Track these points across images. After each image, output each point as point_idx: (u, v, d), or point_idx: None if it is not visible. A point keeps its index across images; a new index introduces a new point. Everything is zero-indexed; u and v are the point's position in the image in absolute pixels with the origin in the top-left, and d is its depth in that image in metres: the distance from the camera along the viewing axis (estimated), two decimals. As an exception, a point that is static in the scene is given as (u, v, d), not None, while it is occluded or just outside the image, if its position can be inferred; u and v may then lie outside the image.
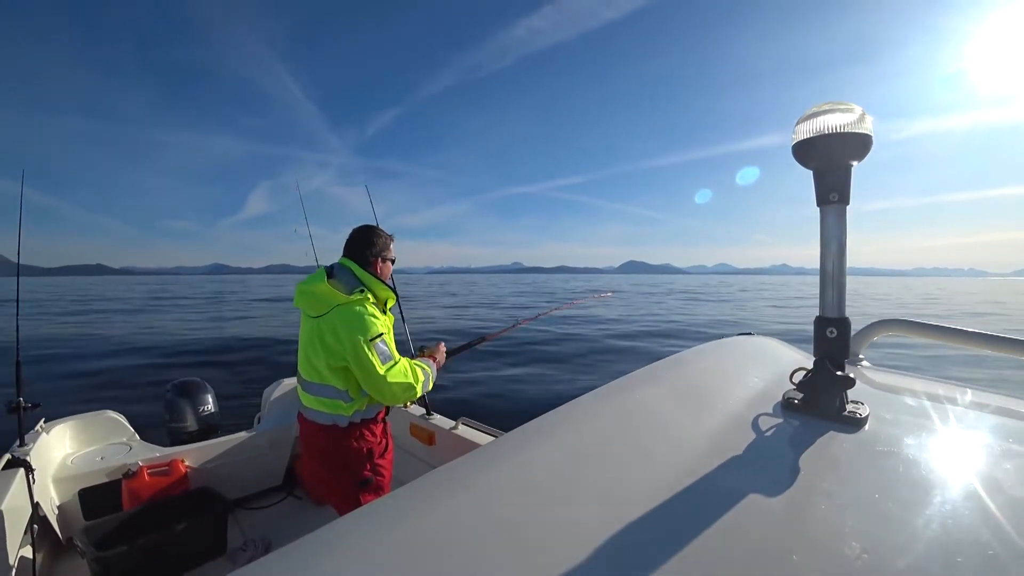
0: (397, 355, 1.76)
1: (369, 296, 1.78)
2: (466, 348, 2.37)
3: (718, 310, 25.79)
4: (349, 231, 1.92)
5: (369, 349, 1.66)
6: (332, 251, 1.93)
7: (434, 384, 1.94)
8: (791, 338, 1.19)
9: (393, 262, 1.95)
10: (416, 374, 1.79)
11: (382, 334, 1.71)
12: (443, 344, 2.15)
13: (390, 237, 1.95)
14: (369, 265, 1.85)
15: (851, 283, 0.78)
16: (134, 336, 14.15)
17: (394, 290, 1.91)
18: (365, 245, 1.86)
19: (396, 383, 1.70)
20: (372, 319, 1.71)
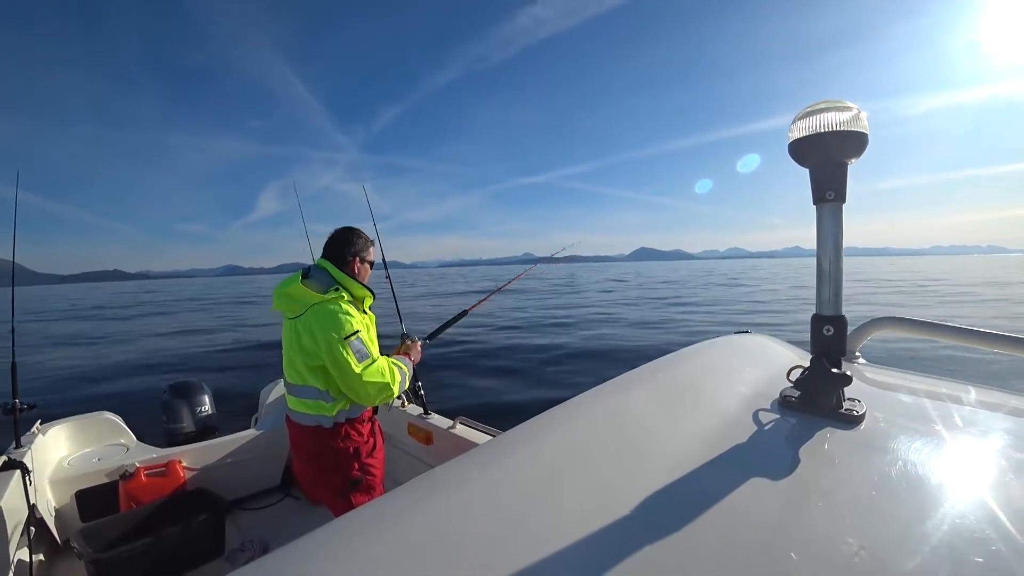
0: (375, 354, 1.74)
1: (344, 295, 1.76)
2: (449, 326, 2.35)
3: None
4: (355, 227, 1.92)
5: (344, 347, 1.64)
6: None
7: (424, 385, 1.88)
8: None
9: (372, 265, 1.95)
10: (393, 374, 1.76)
11: (357, 332, 1.69)
12: (419, 342, 2.13)
13: (370, 240, 1.95)
14: (346, 265, 1.84)
15: (848, 264, 0.79)
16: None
17: (371, 291, 1.89)
18: (343, 245, 1.85)
19: (372, 382, 1.68)
20: (347, 317, 1.69)
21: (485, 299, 2.71)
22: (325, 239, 1.91)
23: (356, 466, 1.84)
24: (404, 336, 2.15)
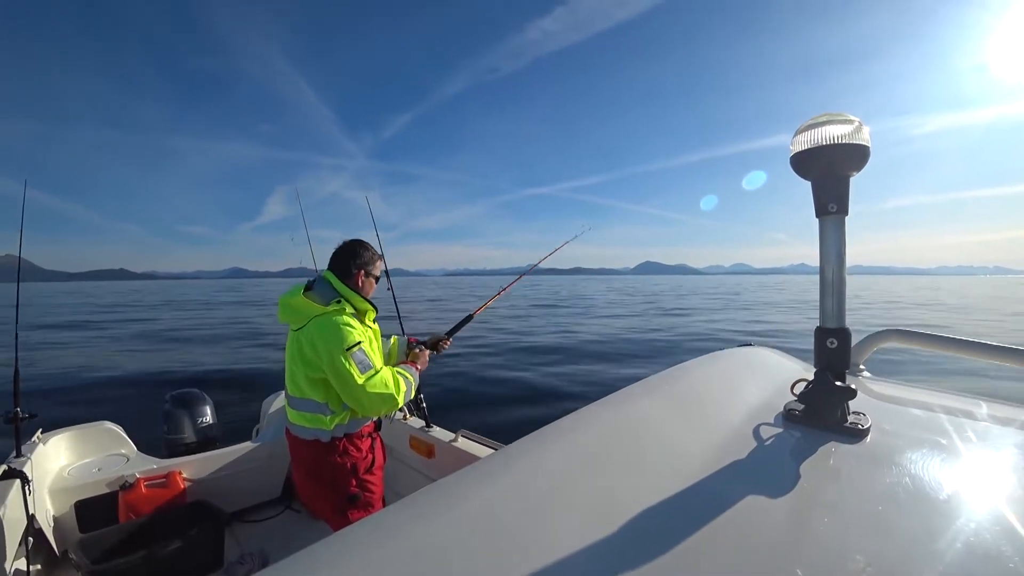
0: (379, 364, 1.73)
1: (346, 307, 1.76)
2: (456, 330, 2.35)
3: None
4: (360, 235, 1.92)
5: (346, 358, 1.64)
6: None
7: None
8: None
9: (378, 280, 1.94)
10: (398, 384, 1.75)
11: (359, 343, 1.68)
12: (427, 351, 2.12)
13: (377, 255, 1.94)
14: (350, 278, 1.83)
15: (850, 282, 0.79)
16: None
17: (373, 305, 1.88)
18: (349, 257, 1.85)
19: (375, 393, 1.67)
20: (348, 329, 1.68)
21: (492, 300, 2.69)
22: (330, 245, 1.90)
23: (354, 482, 1.82)
24: (411, 344, 2.14)
